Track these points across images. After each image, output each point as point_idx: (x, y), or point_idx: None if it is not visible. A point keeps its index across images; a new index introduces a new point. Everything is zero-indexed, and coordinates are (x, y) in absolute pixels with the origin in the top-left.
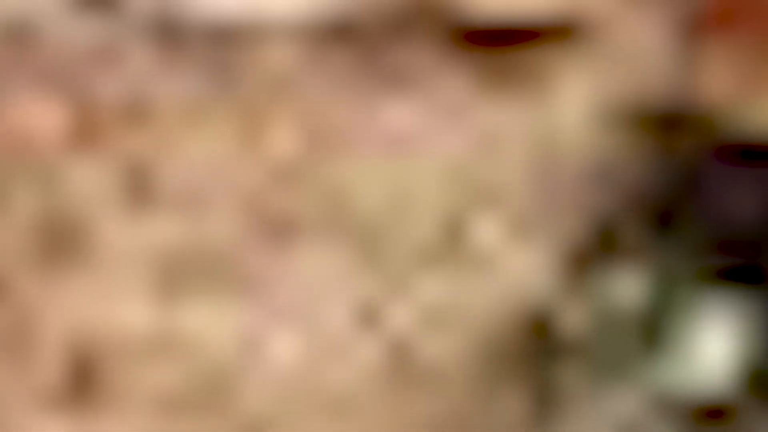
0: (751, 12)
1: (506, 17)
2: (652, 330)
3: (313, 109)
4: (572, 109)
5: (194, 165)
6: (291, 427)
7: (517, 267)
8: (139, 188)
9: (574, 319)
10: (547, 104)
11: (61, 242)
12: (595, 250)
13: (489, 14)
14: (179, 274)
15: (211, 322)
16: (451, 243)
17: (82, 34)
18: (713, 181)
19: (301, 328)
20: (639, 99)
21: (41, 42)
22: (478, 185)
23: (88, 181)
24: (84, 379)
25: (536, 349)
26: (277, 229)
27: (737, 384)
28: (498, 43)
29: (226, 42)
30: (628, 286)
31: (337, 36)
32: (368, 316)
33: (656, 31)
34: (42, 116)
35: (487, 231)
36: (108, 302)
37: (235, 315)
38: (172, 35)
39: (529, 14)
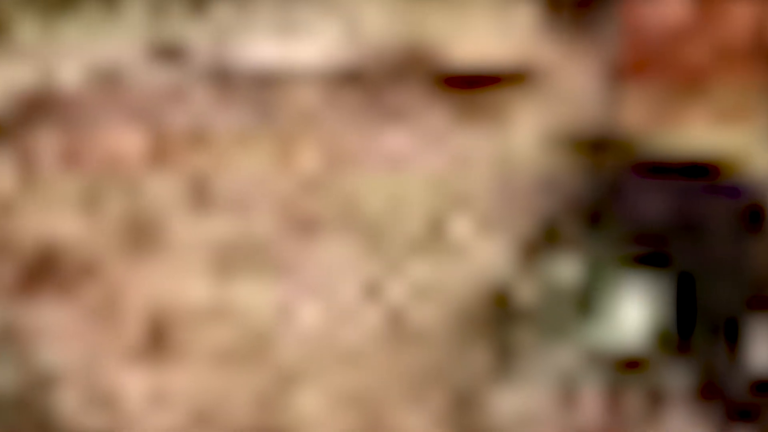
0: (659, 63)
1: (476, 66)
2: (585, 301)
3: (331, 135)
4: (525, 136)
5: (242, 177)
6: (314, 375)
7: (483, 254)
8: (200, 195)
9: (526, 293)
10: (506, 132)
11: (141, 236)
12: (542, 242)
13: (463, 64)
14: (230, 259)
15: (254, 296)
16: (434, 236)
17: (157, 78)
18: (630, 189)
19: (321, 300)
20: (575, 128)
21: (126, 84)
22: (454, 193)
23: (162, 190)
24: (159, 338)
25: (497, 316)
26: (304, 226)
27: (649, 342)
28: (470, 86)
29: (266, 84)
30: (567, 269)
31: (349, 80)
32: (372, 291)
33: (588, 76)
34: (127, 141)
35: (461, 227)
36: (177, 280)
37: (272, 290)
38: (225, 79)
39: (493, 64)
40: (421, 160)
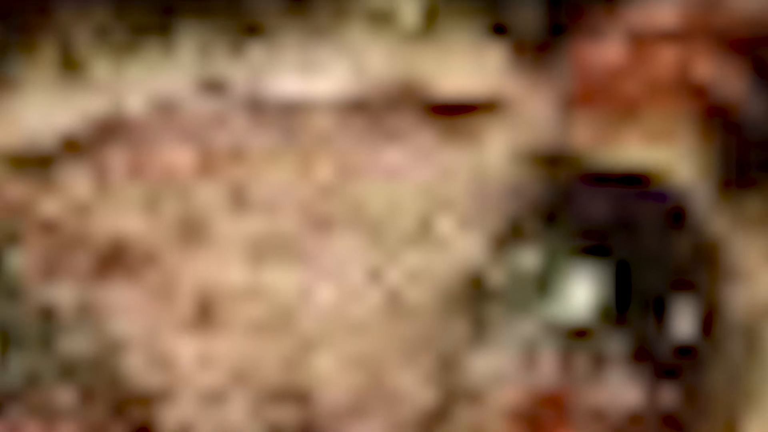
0: (602, 94)
1: (457, 97)
2: (543, 284)
3: (341, 152)
4: (496, 152)
5: (271, 185)
6: (328, 343)
7: (462, 247)
8: (238, 198)
9: (496, 277)
10: (481, 149)
11: (191, 232)
12: (509, 236)
13: (447, 95)
14: (262, 250)
15: (280, 279)
16: (423, 232)
17: (204, 107)
18: (579, 195)
19: (333, 282)
20: (536, 146)
21: (179, 112)
22: (439, 198)
23: (208, 195)
24: (205, 313)
25: (473, 296)
26: (320, 224)
27: (593, 316)
28: (452, 113)
29: (290, 112)
30: (529, 258)
31: (356, 109)
32: (374, 276)
33: (546, 105)
34: (180, 157)
35: (445, 225)
36: (219, 267)
37: (295, 275)
38: (258, 108)
39: (470, 96)
40: (413, 172)
